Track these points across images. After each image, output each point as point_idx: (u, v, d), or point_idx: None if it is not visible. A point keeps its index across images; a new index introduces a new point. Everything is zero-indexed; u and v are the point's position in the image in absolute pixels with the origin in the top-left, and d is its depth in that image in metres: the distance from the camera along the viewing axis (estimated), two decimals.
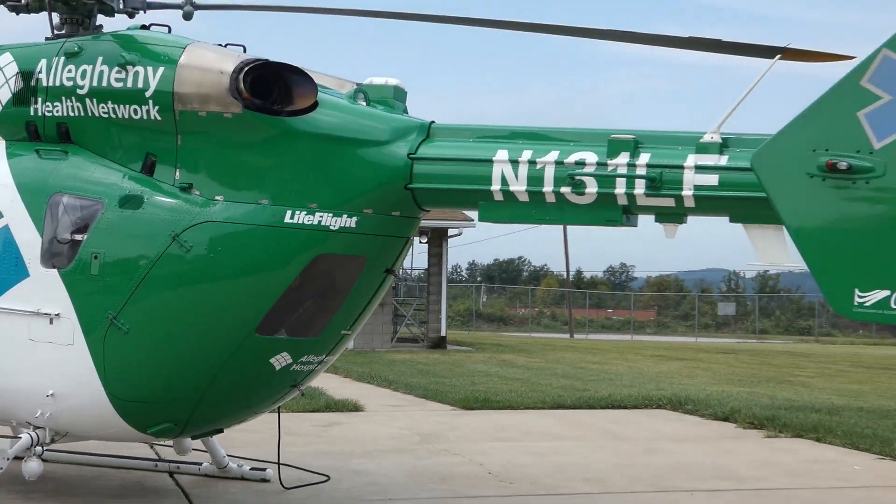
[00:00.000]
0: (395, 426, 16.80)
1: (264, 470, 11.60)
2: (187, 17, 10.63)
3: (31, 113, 9.97)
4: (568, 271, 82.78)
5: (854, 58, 11.14)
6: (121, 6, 10.49)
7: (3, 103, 10.08)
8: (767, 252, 8.61)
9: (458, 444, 14.90)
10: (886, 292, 6.90)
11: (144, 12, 10.53)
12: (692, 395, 21.70)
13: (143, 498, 10.67)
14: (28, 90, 9.98)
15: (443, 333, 41.15)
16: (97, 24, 10.55)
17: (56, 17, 10.54)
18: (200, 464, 11.75)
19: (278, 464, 11.24)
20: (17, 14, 10.74)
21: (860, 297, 6.98)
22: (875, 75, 6.85)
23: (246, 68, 9.13)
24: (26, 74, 9.98)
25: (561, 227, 58.60)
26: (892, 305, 6.87)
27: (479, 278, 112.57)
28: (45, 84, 9.91)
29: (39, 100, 9.94)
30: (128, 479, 11.61)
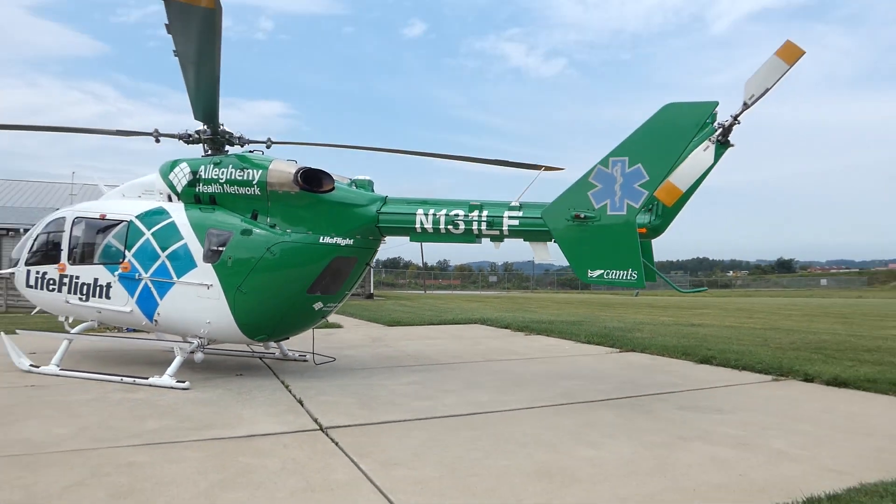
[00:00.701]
0: (358, 334, 16.27)
1: (305, 356, 11.30)
2: (268, 147, 10.35)
3: (196, 190, 9.62)
4: (423, 262, 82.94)
5: (564, 169, 11.30)
6: (235, 142, 10.13)
7: (184, 186, 9.65)
8: (540, 255, 8.72)
9: (390, 342, 14.57)
10: (601, 271, 6.98)
11: (248, 144, 10.16)
12: (487, 316, 21.11)
13: (248, 369, 10.28)
14: (195, 180, 9.63)
15: (371, 292, 40.53)
16: (226, 149, 10.12)
17: (206, 146, 10.13)
18: (274, 353, 11.39)
19: (313, 353, 11.04)
20: (188, 145, 10.30)
21: (590, 272, 7.07)
22: (595, 177, 6.98)
23: (301, 171, 9.03)
24: (194, 172, 9.65)
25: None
26: (604, 276, 6.96)
27: (381, 266, 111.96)
28: (203, 177, 9.53)
29: (200, 184, 9.55)
30: (240, 360, 11.21)
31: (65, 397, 8.07)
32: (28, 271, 10.53)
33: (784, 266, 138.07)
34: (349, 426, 6.84)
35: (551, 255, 8.72)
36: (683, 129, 6.55)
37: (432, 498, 4.81)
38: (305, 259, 9.01)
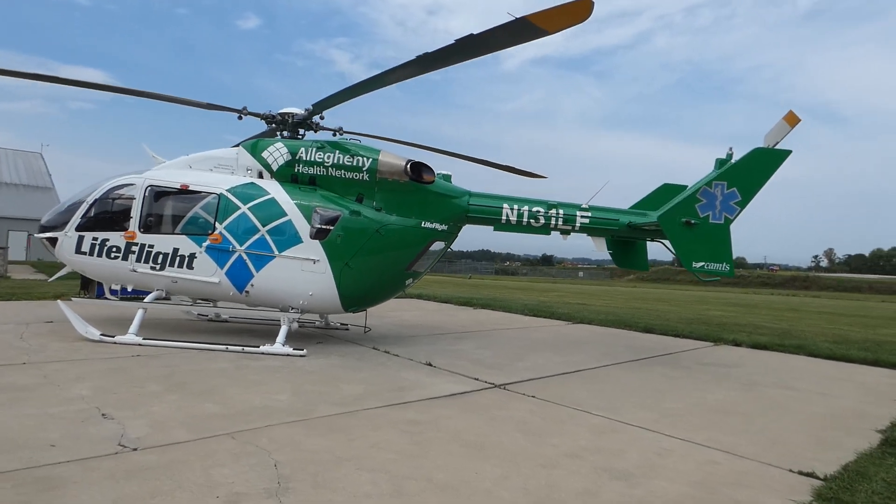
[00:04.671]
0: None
1: (346, 325, 10.91)
2: (334, 135, 9.80)
3: (294, 170, 8.85)
4: None
5: (546, 177, 11.93)
6: (311, 126, 9.47)
7: (280, 165, 8.83)
8: (600, 247, 9.41)
9: (383, 314, 13.52)
10: (703, 263, 7.93)
11: (319, 130, 9.49)
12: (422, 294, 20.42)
13: (314, 337, 9.50)
14: (293, 160, 8.86)
15: None
16: (301, 133, 9.42)
17: (283, 128, 9.42)
18: (314, 323, 10.81)
19: (364, 326, 10.64)
20: (268, 126, 9.42)
21: (695, 264, 7.96)
22: (701, 194, 7.93)
23: (410, 163, 8.84)
24: (293, 153, 8.83)
25: None
26: (705, 267, 7.92)
27: None
28: (304, 158, 8.84)
29: (300, 165, 8.82)
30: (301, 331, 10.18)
31: (202, 366, 7.03)
32: (81, 237, 8.68)
33: (546, 260, 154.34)
34: (514, 383, 7.04)
35: (605, 247, 9.56)
36: (769, 165, 7.89)
37: (680, 430, 5.40)
38: (409, 241, 8.78)
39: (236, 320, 10.83)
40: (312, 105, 8.64)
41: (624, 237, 9.34)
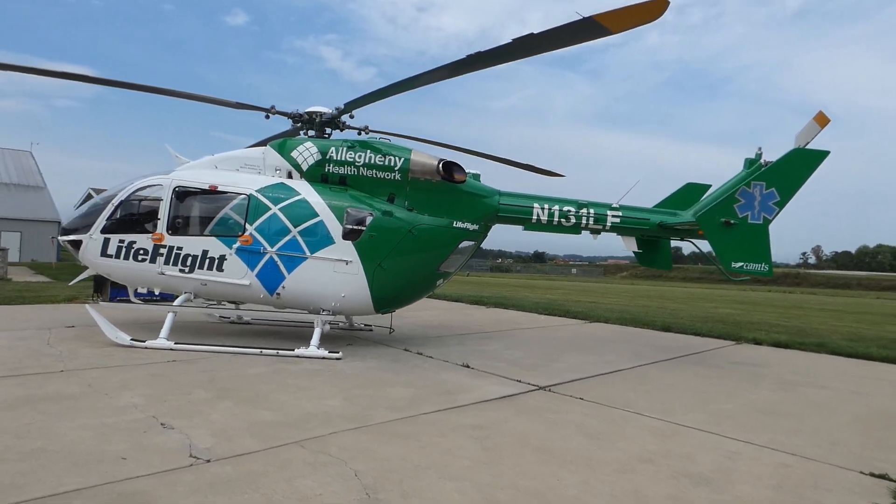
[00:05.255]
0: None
1: (370, 326, 10.77)
2: (359, 134, 9.64)
3: (324, 170, 8.74)
4: None
5: (564, 175, 11.79)
6: (337, 125, 9.35)
7: (310, 165, 8.71)
8: (630, 246, 9.38)
9: (413, 315, 13.55)
10: (742, 263, 7.91)
11: (346, 129, 9.34)
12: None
13: (343, 338, 9.37)
14: (323, 160, 8.74)
15: None
16: (328, 133, 9.31)
17: (308, 126, 9.33)
18: (338, 324, 10.69)
19: (390, 327, 10.54)
20: (293, 125, 9.30)
21: (734, 264, 7.94)
22: (740, 194, 7.89)
23: (442, 162, 8.77)
24: (323, 153, 8.71)
25: None
26: (744, 268, 7.92)
27: None
28: (334, 158, 8.72)
29: (329, 165, 8.73)
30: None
31: (240, 370, 6.92)
32: (106, 240, 8.51)
33: (538, 257, 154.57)
34: (557, 384, 7.00)
35: (633, 247, 9.53)
36: (807, 166, 7.90)
37: (739, 432, 5.39)
38: (441, 241, 8.69)
39: (259, 322, 10.69)
40: (343, 104, 8.53)
41: (653, 236, 9.32)
